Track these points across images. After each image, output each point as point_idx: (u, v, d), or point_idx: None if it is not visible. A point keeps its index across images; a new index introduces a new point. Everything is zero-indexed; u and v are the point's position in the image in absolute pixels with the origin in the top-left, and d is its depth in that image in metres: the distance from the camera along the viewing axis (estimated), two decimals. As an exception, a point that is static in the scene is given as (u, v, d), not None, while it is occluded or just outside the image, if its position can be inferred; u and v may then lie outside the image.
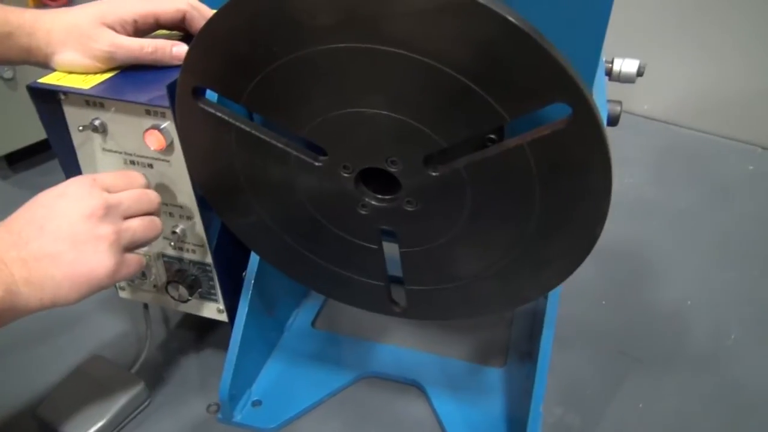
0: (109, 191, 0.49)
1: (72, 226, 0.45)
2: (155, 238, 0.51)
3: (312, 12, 0.37)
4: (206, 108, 0.46)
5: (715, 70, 1.13)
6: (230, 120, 0.46)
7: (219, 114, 0.46)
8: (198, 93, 0.46)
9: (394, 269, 0.52)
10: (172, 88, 0.49)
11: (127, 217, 0.49)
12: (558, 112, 0.37)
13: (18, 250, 0.44)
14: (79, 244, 0.45)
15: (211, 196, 0.53)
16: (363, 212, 0.47)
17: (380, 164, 0.44)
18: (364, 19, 0.37)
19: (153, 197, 0.52)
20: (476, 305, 0.51)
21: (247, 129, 0.46)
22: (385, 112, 0.41)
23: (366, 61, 0.39)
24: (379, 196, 0.46)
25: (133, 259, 0.50)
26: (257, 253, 0.58)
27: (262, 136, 0.46)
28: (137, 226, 0.49)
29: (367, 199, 0.46)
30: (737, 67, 1.10)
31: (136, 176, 0.52)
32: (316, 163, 0.45)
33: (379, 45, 0.37)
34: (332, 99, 0.42)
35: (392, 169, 0.44)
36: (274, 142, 0.45)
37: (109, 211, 0.47)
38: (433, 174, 0.43)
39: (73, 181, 0.49)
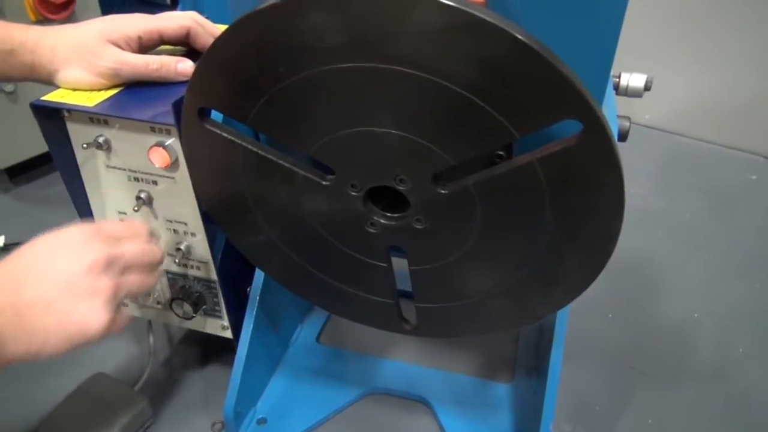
0: (112, 242, 0.47)
1: (71, 276, 0.43)
2: (145, 293, 0.50)
3: (318, 33, 0.37)
4: (212, 129, 0.45)
5: (716, 79, 1.13)
6: (237, 140, 0.45)
7: (225, 134, 0.45)
8: (204, 113, 0.45)
9: (404, 284, 0.51)
10: (177, 106, 0.49)
11: (126, 271, 0.47)
12: (568, 129, 0.37)
13: (13, 295, 0.42)
14: (76, 296, 0.43)
15: (217, 214, 0.52)
16: (372, 230, 0.46)
17: (388, 182, 0.43)
18: (371, 39, 0.36)
19: (156, 252, 0.50)
20: (487, 323, 0.51)
21: (254, 149, 0.45)
22: (392, 131, 0.40)
23: (373, 81, 0.38)
24: (388, 215, 0.46)
25: (124, 316, 0.47)
26: (264, 271, 0.58)
27: (269, 156, 0.45)
28: (134, 281, 0.47)
29: (375, 218, 0.46)
30: (739, 76, 1.10)
31: (141, 227, 0.50)
32: (324, 182, 0.45)
33: (386, 64, 0.37)
34: (339, 118, 0.41)
35: (400, 188, 0.43)
36: (280, 161, 0.45)
37: (110, 265, 0.45)
38: (442, 192, 0.42)
39: (77, 229, 0.46)
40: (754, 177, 1.07)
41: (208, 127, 0.45)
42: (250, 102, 0.42)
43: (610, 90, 0.51)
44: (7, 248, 0.89)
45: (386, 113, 0.40)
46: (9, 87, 0.92)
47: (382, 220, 0.46)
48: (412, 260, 0.48)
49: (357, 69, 0.38)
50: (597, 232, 0.41)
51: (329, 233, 0.49)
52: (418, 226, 0.45)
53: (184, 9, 1.12)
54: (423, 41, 0.35)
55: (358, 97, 0.40)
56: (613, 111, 0.50)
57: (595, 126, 0.36)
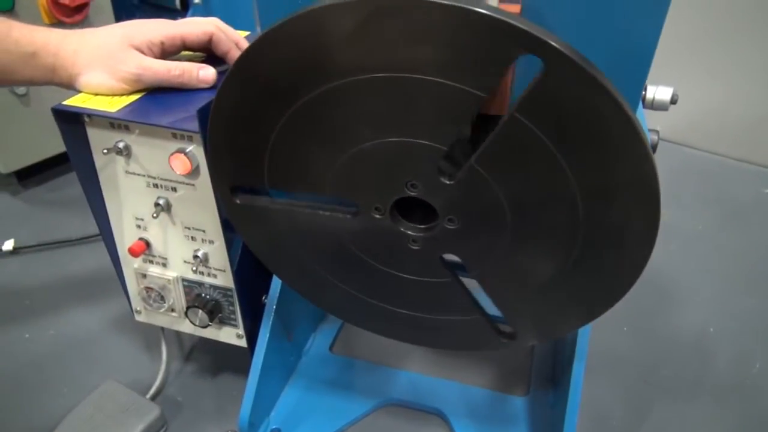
0: None
1: None
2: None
3: (270, 80, 0.40)
4: (244, 203, 0.48)
5: (729, 92, 1.12)
6: (267, 206, 0.48)
7: (256, 204, 0.48)
8: (235, 191, 0.48)
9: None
10: (202, 113, 0.48)
11: None
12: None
13: None
14: None
15: (288, 280, 0.54)
16: (416, 247, 0.45)
17: (402, 193, 0.43)
18: (311, 66, 0.38)
19: None
20: (579, 308, 0.46)
21: (285, 207, 0.47)
22: (378, 140, 0.41)
23: (337, 100, 0.39)
24: (421, 226, 0.45)
25: None
26: (346, 320, 0.57)
27: (299, 209, 0.47)
28: None
29: (411, 233, 0.45)
30: (752, 89, 1.10)
31: None
32: (350, 216, 0.45)
33: (340, 80, 0.38)
34: (330, 149, 0.42)
35: (413, 193, 0.43)
36: (308, 210, 0.47)
37: None
38: (452, 182, 0.41)
39: None
40: (767, 191, 1.07)
41: (239, 202, 0.48)
42: (258, 167, 0.45)
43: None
44: (17, 252, 0.88)
45: (363, 126, 0.40)
46: (21, 90, 0.92)
47: (418, 234, 0.45)
48: (469, 265, 0.46)
49: (320, 96, 0.39)
50: (628, 171, 0.37)
51: (384, 265, 0.48)
52: (453, 227, 0.43)
53: (194, 14, 1.12)
54: (353, 43, 0.36)
55: (333, 122, 0.41)
56: (644, 123, 0.49)
57: (554, 55, 0.33)
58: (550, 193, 0.40)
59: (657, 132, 0.49)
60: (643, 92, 0.52)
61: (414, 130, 0.39)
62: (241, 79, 0.41)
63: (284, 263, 0.53)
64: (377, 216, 0.45)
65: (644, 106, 0.52)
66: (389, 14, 0.35)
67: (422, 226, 0.45)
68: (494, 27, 0.33)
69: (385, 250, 0.47)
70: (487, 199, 0.41)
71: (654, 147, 0.48)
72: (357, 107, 0.39)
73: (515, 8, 0.39)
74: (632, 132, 0.35)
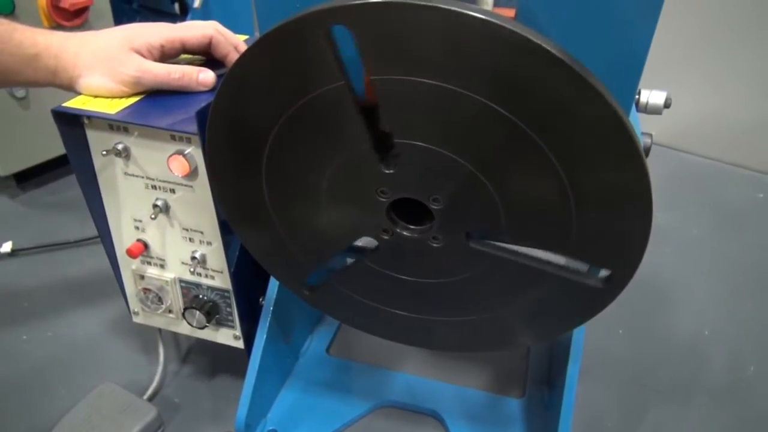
0: None
1: None
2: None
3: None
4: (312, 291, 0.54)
5: (724, 97, 1.13)
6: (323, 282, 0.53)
7: (319, 287, 0.54)
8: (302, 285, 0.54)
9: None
10: (200, 115, 0.49)
11: None
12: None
13: None
14: None
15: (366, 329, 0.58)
16: (438, 245, 0.45)
17: (380, 204, 0.44)
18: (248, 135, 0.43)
19: None
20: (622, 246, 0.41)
21: (338, 272, 0.52)
22: (325, 175, 0.43)
23: (283, 144, 0.43)
24: (424, 226, 0.45)
25: None
26: (431, 347, 0.59)
27: (351, 270, 0.50)
28: None
29: (418, 235, 0.45)
30: (747, 94, 1.11)
31: None
32: (372, 249, 0.47)
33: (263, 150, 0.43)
34: (307, 203, 0.46)
35: (384, 198, 0.43)
36: (355, 265, 0.50)
37: None
38: (396, 168, 0.41)
39: None
40: (761, 195, 1.08)
41: (307, 292, 0.54)
42: (280, 250, 0.50)
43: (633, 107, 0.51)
44: (15, 254, 0.88)
45: (300, 165, 0.43)
46: (20, 92, 0.92)
47: (424, 232, 0.45)
48: (494, 232, 0.44)
49: (269, 158, 0.44)
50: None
51: (446, 276, 0.48)
52: (441, 206, 0.42)
53: (193, 18, 1.12)
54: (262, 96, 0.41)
55: (292, 169, 0.44)
56: (637, 127, 0.50)
57: (348, 14, 0.34)
58: (510, 149, 0.38)
59: (650, 135, 0.49)
60: (637, 96, 0.53)
61: (338, 147, 0.42)
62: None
63: (362, 318, 0.56)
64: (386, 237, 0.46)
65: (638, 110, 0.53)
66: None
67: (424, 225, 0.45)
68: (300, 20, 0.36)
69: (427, 263, 0.47)
70: (439, 162, 0.40)
71: (647, 150, 0.49)
72: (295, 148, 0.43)
73: (510, 12, 0.40)
74: (526, 41, 0.33)
